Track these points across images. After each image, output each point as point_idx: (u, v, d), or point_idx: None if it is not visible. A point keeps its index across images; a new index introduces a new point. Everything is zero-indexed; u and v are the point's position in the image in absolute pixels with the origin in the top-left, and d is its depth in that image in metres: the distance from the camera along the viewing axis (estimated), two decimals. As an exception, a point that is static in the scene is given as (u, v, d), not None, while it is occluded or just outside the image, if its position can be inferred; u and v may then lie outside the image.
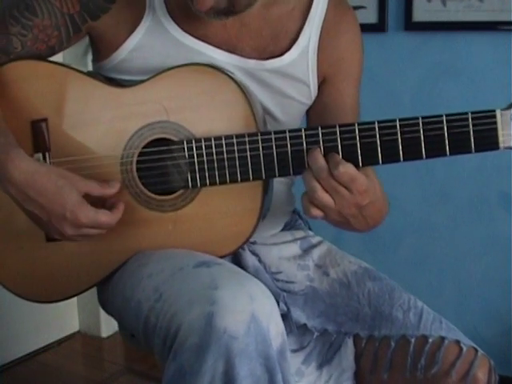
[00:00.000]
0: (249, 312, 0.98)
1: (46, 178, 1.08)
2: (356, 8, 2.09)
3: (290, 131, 1.12)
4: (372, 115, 1.11)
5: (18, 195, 1.09)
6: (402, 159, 1.09)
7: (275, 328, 1.01)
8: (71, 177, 1.11)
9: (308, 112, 1.34)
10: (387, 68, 2.14)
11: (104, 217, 1.11)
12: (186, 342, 0.98)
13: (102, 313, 1.36)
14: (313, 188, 1.07)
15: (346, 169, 1.06)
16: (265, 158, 1.13)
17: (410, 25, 2.06)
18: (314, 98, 1.30)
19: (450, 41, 2.03)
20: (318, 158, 1.08)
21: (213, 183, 1.15)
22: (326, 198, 1.07)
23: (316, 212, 1.09)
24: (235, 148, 1.13)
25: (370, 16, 2.11)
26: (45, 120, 1.19)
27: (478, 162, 2.05)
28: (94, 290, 1.33)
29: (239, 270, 1.11)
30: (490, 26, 1.96)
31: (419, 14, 2.04)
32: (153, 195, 1.18)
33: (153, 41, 1.21)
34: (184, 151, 1.15)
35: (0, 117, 1.16)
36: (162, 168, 1.17)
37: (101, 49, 1.25)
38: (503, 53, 1.96)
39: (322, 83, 1.30)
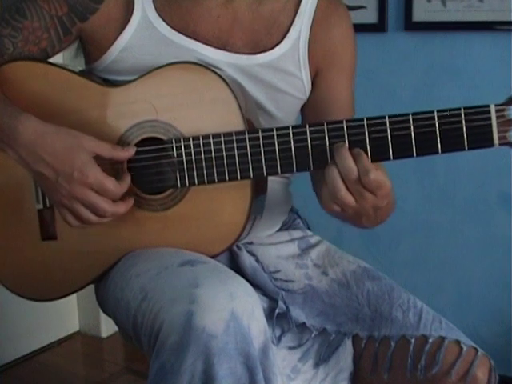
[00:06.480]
0: (228, 310, 0.97)
1: (56, 137, 1.11)
2: (356, 8, 2.09)
3: (277, 129, 1.11)
4: (371, 115, 1.10)
5: (27, 156, 1.11)
6: (391, 157, 1.08)
7: (257, 326, 1.00)
8: (82, 137, 1.12)
9: (302, 107, 1.33)
10: (387, 68, 2.14)
11: (111, 184, 1.11)
12: (167, 341, 0.98)
13: (102, 313, 1.36)
14: (338, 188, 1.05)
15: (376, 176, 1.03)
16: (252, 156, 1.12)
17: (410, 25, 2.06)
18: (308, 93, 1.30)
19: (450, 41, 2.03)
20: (347, 158, 1.05)
21: (201, 182, 1.15)
22: (349, 198, 1.05)
23: (336, 208, 1.07)
24: (223, 147, 1.13)
25: (370, 16, 2.11)
26: None
27: (478, 162, 2.05)
28: (93, 290, 1.34)
29: (224, 268, 1.10)
30: (489, 26, 1.96)
31: (419, 14, 2.04)
32: (143, 194, 1.18)
33: (142, 40, 1.21)
34: (173, 150, 1.15)
35: (2, 96, 1.17)
36: (152, 167, 1.17)
37: (91, 51, 1.26)
38: (503, 53, 1.96)
39: (316, 77, 1.30)
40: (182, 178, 1.15)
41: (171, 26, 1.22)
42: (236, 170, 1.13)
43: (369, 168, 1.04)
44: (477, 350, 1.16)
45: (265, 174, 1.13)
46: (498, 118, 1.04)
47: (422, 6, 2.03)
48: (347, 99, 1.32)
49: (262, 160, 1.12)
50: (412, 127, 1.06)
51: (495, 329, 2.11)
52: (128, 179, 1.15)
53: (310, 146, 1.09)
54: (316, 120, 1.26)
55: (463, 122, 1.05)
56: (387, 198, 1.07)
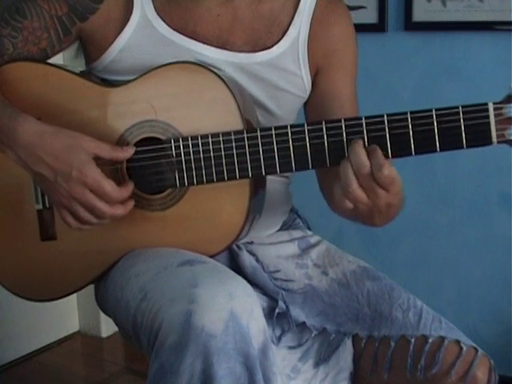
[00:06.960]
0: (227, 310, 0.98)
1: (54, 137, 1.11)
2: (356, 8, 2.09)
3: (276, 128, 1.11)
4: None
5: (26, 157, 1.12)
6: (390, 156, 1.07)
7: (256, 326, 1.00)
8: (81, 137, 1.12)
9: (305, 106, 1.34)
10: (387, 68, 2.14)
11: (109, 186, 1.11)
12: (166, 341, 0.98)
13: (102, 313, 1.36)
14: (349, 182, 1.04)
15: (390, 172, 1.03)
16: (251, 156, 1.12)
17: (410, 25, 2.06)
18: (308, 91, 1.30)
19: (450, 41, 2.03)
20: (361, 154, 1.05)
21: (200, 182, 1.15)
22: (359, 193, 1.04)
23: (348, 205, 1.06)
24: (221, 146, 1.13)
25: (370, 16, 2.11)
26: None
27: (478, 162, 2.05)
28: (93, 290, 1.34)
29: (223, 268, 1.10)
30: (489, 26, 1.96)
31: (419, 14, 2.04)
32: (142, 194, 1.18)
33: (141, 40, 1.21)
34: (171, 150, 1.15)
35: (1, 97, 1.18)
36: (151, 167, 1.17)
37: (91, 51, 1.26)
38: (503, 53, 1.96)
39: (317, 75, 1.30)
40: (181, 177, 1.15)
41: (170, 26, 1.22)
42: (235, 169, 1.13)
43: (383, 163, 1.03)
44: (477, 350, 1.15)
45: (263, 173, 1.13)
46: (496, 116, 1.04)
47: (422, 6, 2.03)
48: (350, 97, 1.32)
49: (260, 159, 1.12)
50: (410, 126, 1.06)
51: (495, 329, 2.11)
52: (130, 187, 1.15)
53: (308, 145, 1.09)
54: (319, 118, 1.26)
55: (461, 120, 1.05)
56: (399, 195, 1.07)
